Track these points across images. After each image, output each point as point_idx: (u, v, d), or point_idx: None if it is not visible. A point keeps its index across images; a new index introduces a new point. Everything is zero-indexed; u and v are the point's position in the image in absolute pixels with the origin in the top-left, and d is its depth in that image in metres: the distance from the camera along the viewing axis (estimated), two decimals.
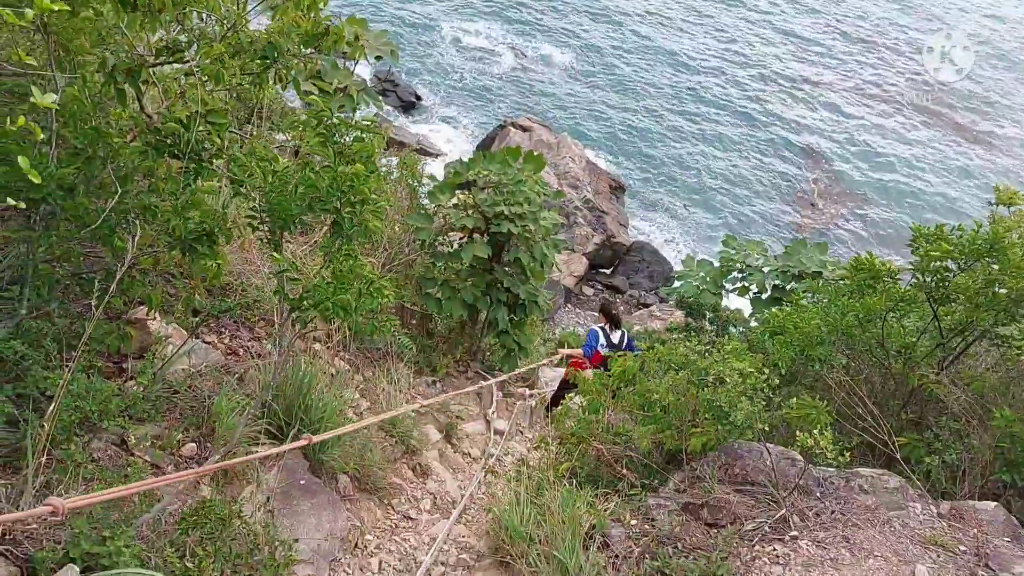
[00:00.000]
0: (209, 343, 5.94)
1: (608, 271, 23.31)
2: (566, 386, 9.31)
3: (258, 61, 3.83)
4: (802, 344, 6.08)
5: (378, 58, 10.77)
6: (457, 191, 9.01)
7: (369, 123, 4.19)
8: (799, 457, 5.32)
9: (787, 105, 31.17)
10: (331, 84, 9.98)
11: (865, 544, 4.53)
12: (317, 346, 6.64)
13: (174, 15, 3.60)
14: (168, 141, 3.70)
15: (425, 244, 8.73)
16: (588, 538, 4.71)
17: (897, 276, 6.38)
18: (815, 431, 4.69)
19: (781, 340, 6.14)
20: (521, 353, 9.92)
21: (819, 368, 6.25)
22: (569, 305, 21.59)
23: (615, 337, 8.96)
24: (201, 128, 3.71)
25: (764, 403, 5.13)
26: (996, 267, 6.03)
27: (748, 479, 5.29)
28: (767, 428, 5.01)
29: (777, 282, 11.50)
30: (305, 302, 3.91)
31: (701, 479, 5.39)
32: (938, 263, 6.05)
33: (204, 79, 3.73)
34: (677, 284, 12.52)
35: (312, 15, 4.01)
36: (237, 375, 5.33)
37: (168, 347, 4.98)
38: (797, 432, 4.71)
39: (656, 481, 5.94)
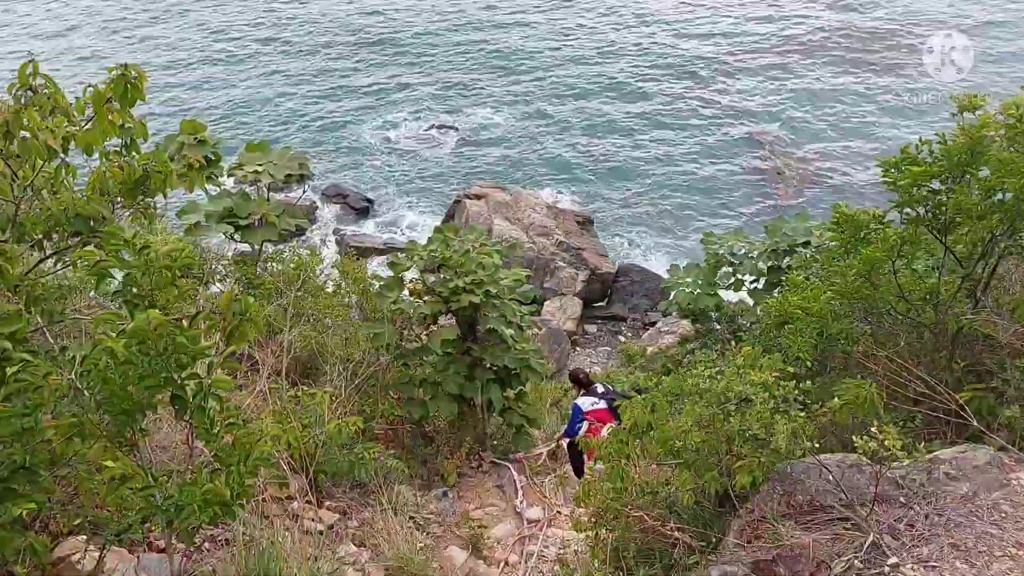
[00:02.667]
0: (163, 549, 5.10)
1: (603, 303, 22.85)
2: (575, 448, 8.77)
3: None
4: (817, 326, 5.28)
5: (288, 177, 10.20)
6: (407, 283, 8.29)
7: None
8: (865, 461, 4.48)
9: (719, 94, 30.94)
10: (245, 217, 9.37)
11: (979, 545, 3.67)
12: (294, 504, 5.79)
13: None
14: None
15: (388, 348, 7.95)
16: None
17: (885, 220, 5.63)
18: (873, 428, 3.87)
19: (793, 329, 5.34)
20: (533, 425, 9.07)
21: (845, 346, 5.44)
22: (577, 348, 20.92)
23: (599, 388, 8.86)
24: None
25: (802, 412, 4.30)
26: (988, 174, 5.31)
27: (815, 504, 4.43)
28: (817, 445, 4.18)
29: (770, 263, 10.77)
30: (166, 511, 2.95)
31: (763, 521, 4.53)
32: (924, 190, 5.32)
33: None
34: (670, 296, 11.74)
35: (128, 159, 3.29)
36: None
37: None
38: (855, 437, 3.88)
39: (713, 535, 5.07)
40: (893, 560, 3.73)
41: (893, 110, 28.54)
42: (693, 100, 30.72)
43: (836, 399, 4.76)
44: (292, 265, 8.62)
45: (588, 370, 17.63)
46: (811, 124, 28.68)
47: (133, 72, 2.84)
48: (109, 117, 2.89)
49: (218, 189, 9.33)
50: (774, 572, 4.00)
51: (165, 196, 3.38)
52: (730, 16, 36.18)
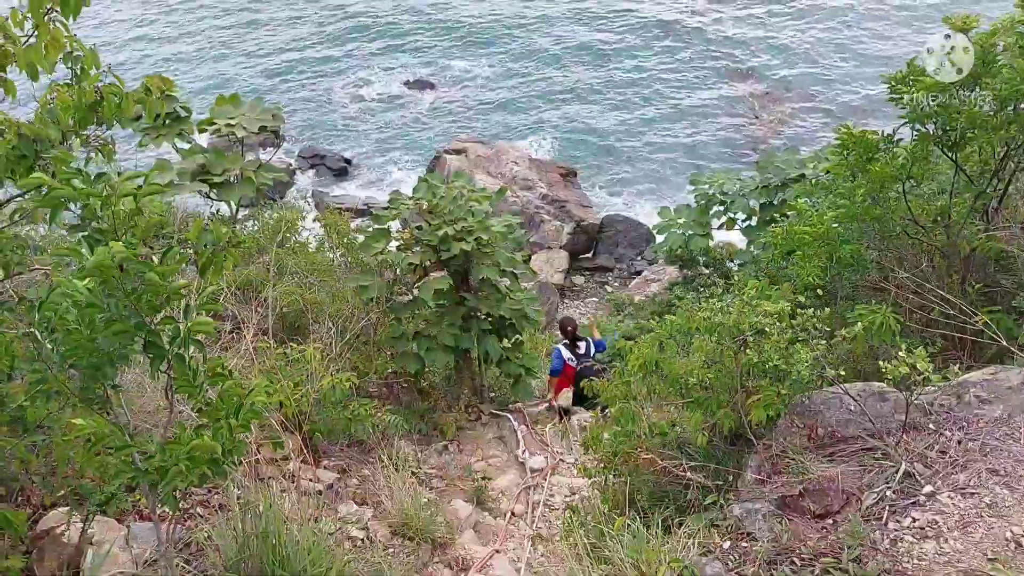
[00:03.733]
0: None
1: (589, 255, 22.72)
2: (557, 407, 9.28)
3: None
4: (827, 251, 5.03)
5: (263, 128, 9.76)
6: (394, 235, 7.97)
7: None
8: (888, 389, 4.28)
9: (695, 49, 30.36)
10: (220, 174, 8.95)
11: (1019, 468, 3.49)
12: (290, 466, 5.55)
13: None
14: None
15: (376, 301, 7.67)
16: None
17: (895, 140, 5.36)
18: (901, 352, 3.65)
19: (801, 255, 5.09)
20: (530, 375, 8.86)
21: (855, 273, 5.21)
22: (566, 301, 20.78)
23: (581, 349, 9.32)
24: None
25: (824, 341, 4.08)
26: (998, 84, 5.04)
27: (838, 436, 4.24)
28: (842, 372, 3.96)
29: (762, 200, 10.50)
30: (148, 474, 2.66)
31: (783, 455, 4.34)
32: (935, 104, 5.04)
33: None
34: (660, 239, 11.45)
35: (83, 85, 2.94)
36: (191, 550, 4.24)
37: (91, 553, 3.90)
38: (880, 362, 3.66)
39: (730, 473, 4.89)
40: (928, 488, 3.55)
41: (873, 54, 28.18)
42: (668, 42, 30.23)
43: (852, 326, 4.54)
44: (272, 220, 8.25)
45: (578, 321, 17.65)
46: (786, 65, 28.35)
47: None
48: (51, 30, 2.55)
49: (188, 146, 8.89)
50: (801, 507, 3.81)
51: (123, 126, 3.04)
52: None
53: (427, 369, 8.15)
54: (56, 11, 2.57)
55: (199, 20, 34.45)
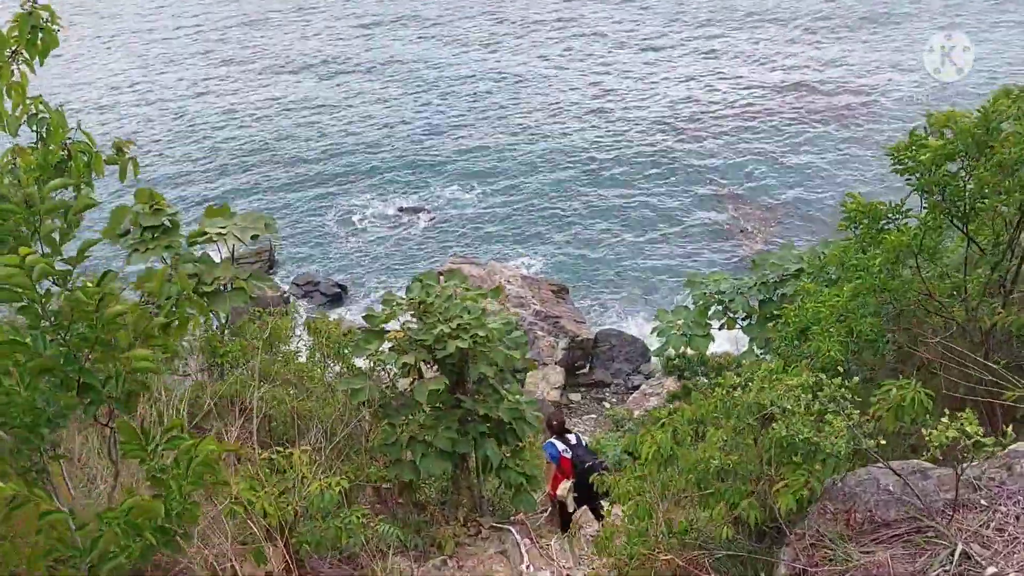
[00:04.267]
0: None
1: (585, 370, 22.48)
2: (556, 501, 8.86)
3: None
4: (845, 326, 4.76)
5: (254, 237, 9.64)
6: (387, 335, 7.68)
7: None
8: (929, 465, 3.93)
9: (678, 159, 31.23)
10: (210, 283, 8.74)
11: None
12: None
13: None
14: None
15: (368, 405, 7.29)
16: None
17: (904, 210, 5.21)
18: (944, 420, 3.33)
19: (819, 331, 4.82)
20: (532, 484, 8.35)
21: (874, 351, 4.93)
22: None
23: (572, 440, 8.99)
24: None
25: (856, 413, 3.75)
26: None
27: (878, 520, 3.84)
28: (882, 441, 3.62)
29: (761, 297, 10.32)
30: (83, 554, 2.25)
31: (819, 545, 3.92)
32: (941, 173, 4.92)
33: None
34: (658, 342, 11.17)
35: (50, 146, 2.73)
36: None
37: None
38: (923, 430, 3.33)
39: (760, 570, 4.43)
40: (991, 570, 3.14)
41: (850, 159, 29.00)
42: (653, 166, 30.98)
43: (878, 402, 4.22)
44: (261, 328, 7.97)
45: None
46: (770, 181, 29.00)
47: (44, 14, 2.30)
48: (15, 72, 2.35)
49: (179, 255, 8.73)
50: None
51: (91, 187, 2.81)
52: (686, 86, 36.91)
53: (422, 480, 7.67)
54: (22, 54, 2.39)
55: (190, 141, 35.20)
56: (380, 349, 7.48)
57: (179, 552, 2.63)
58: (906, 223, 4.94)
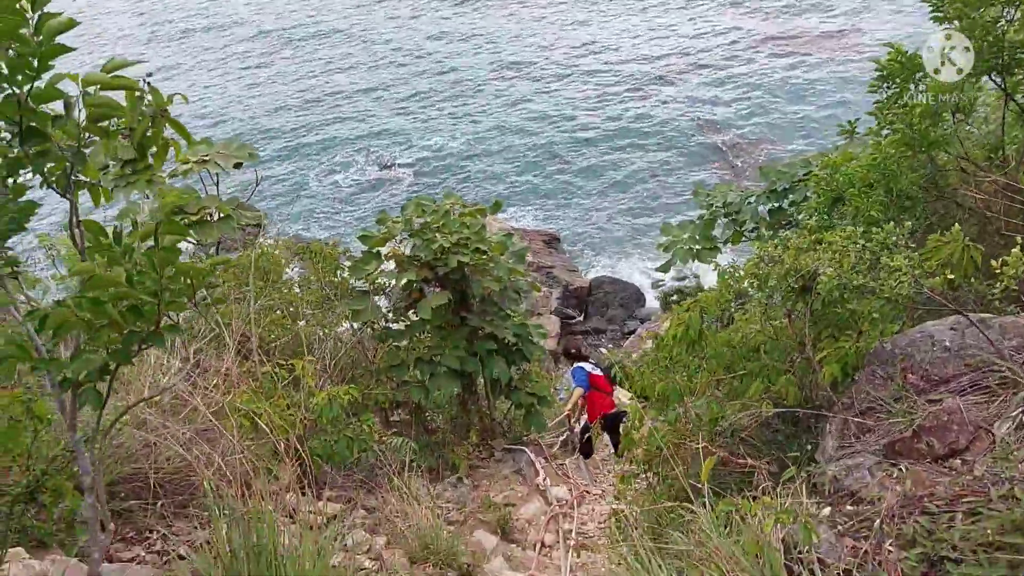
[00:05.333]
0: (131, 559, 4.07)
1: (580, 318, 22.27)
2: (587, 430, 8.55)
3: None
4: (885, 184, 4.42)
5: (238, 165, 9.20)
6: (386, 253, 7.33)
7: None
8: (987, 316, 3.63)
9: (666, 106, 30.63)
10: (196, 213, 8.32)
11: None
12: (290, 496, 4.74)
13: None
14: None
15: (370, 326, 6.97)
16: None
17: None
18: (1015, 251, 3.01)
19: (855, 193, 4.47)
20: (542, 404, 8.07)
21: (917, 213, 4.60)
22: (560, 366, 20.19)
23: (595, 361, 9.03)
24: None
25: (916, 254, 3.42)
26: None
27: (935, 379, 3.55)
28: (949, 275, 3.30)
29: (771, 205, 9.96)
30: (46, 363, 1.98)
31: (871, 412, 3.64)
32: (985, 14, 4.54)
33: None
34: (665, 256, 10.81)
35: None
36: None
37: None
38: (992, 262, 3.02)
39: (800, 451, 4.15)
40: None
41: (833, 101, 28.51)
42: (641, 115, 30.40)
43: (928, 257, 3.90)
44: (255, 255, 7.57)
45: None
46: (756, 121, 28.52)
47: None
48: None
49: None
50: (917, 450, 3.08)
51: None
52: (670, 35, 36.16)
53: (431, 401, 7.38)
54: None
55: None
56: (379, 269, 7.13)
57: (161, 344, 2.32)
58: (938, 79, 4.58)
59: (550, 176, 27.92)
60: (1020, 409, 2.95)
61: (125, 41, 40.60)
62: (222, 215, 9.11)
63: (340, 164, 29.76)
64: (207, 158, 9.09)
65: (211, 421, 4.32)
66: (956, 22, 4.40)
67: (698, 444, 4.58)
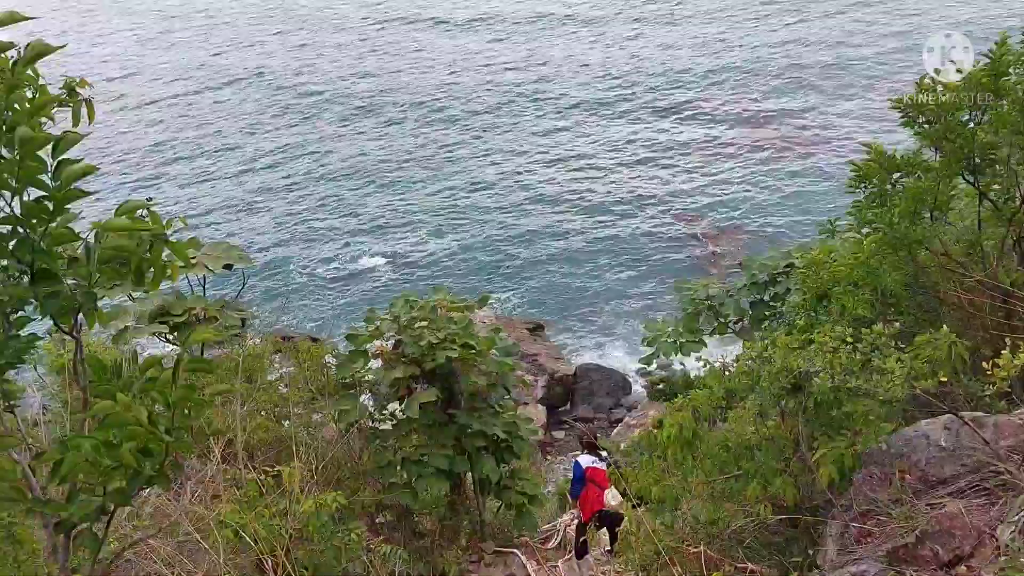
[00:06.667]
0: None
1: (567, 407, 22.09)
2: (582, 530, 8.05)
3: None
4: (871, 282, 4.50)
5: (228, 267, 9.23)
6: (373, 350, 7.29)
7: None
8: (980, 415, 3.64)
9: (642, 186, 31.36)
10: (181, 315, 8.29)
11: None
12: None
13: None
14: None
15: (358, 428, 6.86)
16: None
17: (920, 161, 5.00)
18: (1004, 352, 3.04)
19: (841, 291, 4.54)
20: (534, 504, 7.90)
21: (902, 310, 4.67)
22: (548, 458, 19.90)
23: (603, 455, 8.40)
24: None
25: (907, 356, 3.45)
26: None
27: (932, 479, 3.52)
28: (942, 377, 3.31)
29: (752, 298, 10.07)
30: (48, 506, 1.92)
31: (870, 514, 3.59)
32: (954, 122, 4.72)
33: None
34: (649, 350, 10.85)
35: None
36: None
37: None
38: (984, 364, 3.04)
39: (804, 553, 4.07)
40: None
41: (809, 192, 29.28)
42: (620, 203, 30.94)
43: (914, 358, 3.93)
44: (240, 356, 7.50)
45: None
46: (737, 210, 29.14)
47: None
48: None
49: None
50: (921, 556, 3.03)
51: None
52: (643, 117, 37.25)
53: (419, 507, 7.21)
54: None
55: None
56: (367, 367, 7.08)
57: (168, 483, 2.23)
58: (918, 175, 4.73)
59: (533, 269, 28.08)
60: (1022, 513, 2.92)
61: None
62: (208, 317, 8.93)
63: (324, 259, 29.85)
64: (195, 261, 9.06)
65: (194, 536, 4.18)
66: (927, 126, 4.58)
67: (696, 548, 4.50)
